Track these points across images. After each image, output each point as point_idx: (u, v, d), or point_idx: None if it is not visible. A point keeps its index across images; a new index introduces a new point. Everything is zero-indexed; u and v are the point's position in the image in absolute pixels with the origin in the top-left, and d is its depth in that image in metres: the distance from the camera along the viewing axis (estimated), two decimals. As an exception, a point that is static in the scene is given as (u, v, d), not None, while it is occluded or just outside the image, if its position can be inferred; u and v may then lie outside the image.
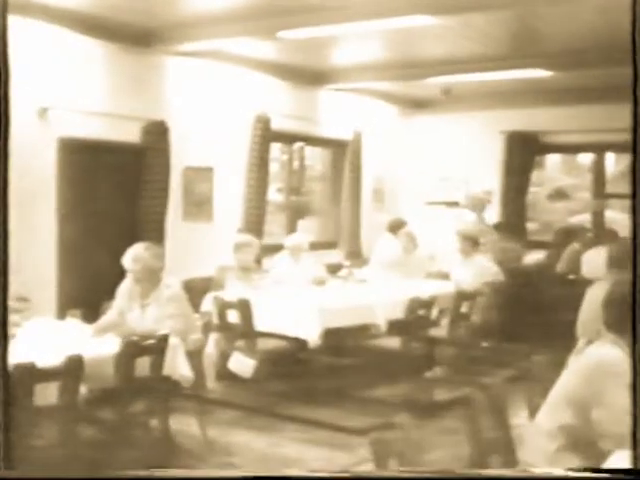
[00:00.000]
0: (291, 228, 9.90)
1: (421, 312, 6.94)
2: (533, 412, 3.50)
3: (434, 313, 7.09)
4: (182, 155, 8.15)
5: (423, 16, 6.61)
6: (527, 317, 8.12)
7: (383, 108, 11.30)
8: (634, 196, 2.83)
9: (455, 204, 11.05)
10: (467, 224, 9.67)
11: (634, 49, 3.02)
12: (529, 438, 3.31)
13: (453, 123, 11.12)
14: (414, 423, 5.43)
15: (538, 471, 3.12)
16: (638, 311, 2.70)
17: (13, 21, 6.81)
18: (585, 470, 2.99)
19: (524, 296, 8.31)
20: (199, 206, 8.50)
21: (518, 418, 3.71)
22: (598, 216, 10.83)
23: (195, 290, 6.68)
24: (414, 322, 6.92)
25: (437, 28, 7.13)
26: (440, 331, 7.17)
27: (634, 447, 2.62)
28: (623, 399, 2.70)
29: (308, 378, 6.74)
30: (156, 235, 7.65)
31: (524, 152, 10.83)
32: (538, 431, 3.21)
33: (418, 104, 11.42)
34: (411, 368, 6.88)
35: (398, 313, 6.90)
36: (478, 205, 10.44)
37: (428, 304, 7.01)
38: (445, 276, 8.38)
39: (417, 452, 4.51)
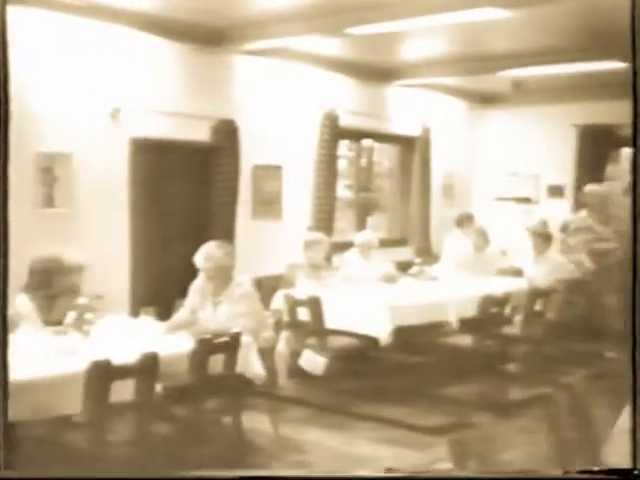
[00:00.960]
0: (360, 225, 9.86)
1: (494, 310, 6.83)
2: (614, 411, 3.40)
3: (507, 310, 6.97)
4: (251, 154, 8.18)
5: (492, 9, 6.50)
6: (603, 314, 7.92)
7: (452, 103, 11.17)
8: (634, 194, 2.81)
9: (526, 200, 10.86)
10: (538, 220, 9.48)
11: (634, 49, 2.99)
12: (613, 438, 3.21)
13: (523, 117, 10.93)
14: (489, 422, 5.37)
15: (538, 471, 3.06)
16: (638, 313, 2.58)
17: (84, 24, 6.92)
18: (585, 470, 2.93)
19: (600, 293, 8.11)
20: (268, 204, 8.52)
21: (600, 417, 3.61)
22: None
23: (265, 288, 6.69)
24: (487, 320, 6.81)
25: (506, 20, 7.00)
26: (513, 329, 7.05)
27: (634, 447, 2.56)
28: None
29: (379, 376, 6.70)
30: (226, 233, 7.69)
31: (597, 146, 10.58)
32: (622, 431, 3.11)
33: (487, 98, 11.26)
34: (484, 366, 6.77)
35: (470, 311, 6.80)
36: None
37: (501, 301, 6.89)
38: (517, 273, 8.23)
39: (494, 452, 4.45)
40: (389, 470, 3.64)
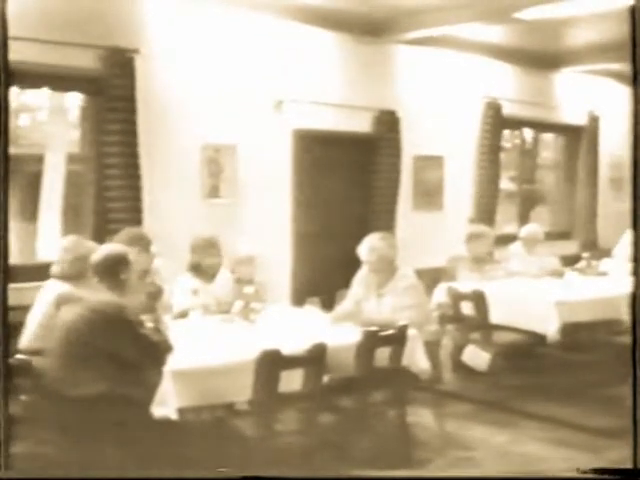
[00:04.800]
0: (523, 218, 9.58)
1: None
2: None
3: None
4: (412, 144, 8.09)
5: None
6: None
7: (622, 90, 10.66)
8: (635, 195, 2.63)
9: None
10: None
11: (634, 49, 2.78)
12: None
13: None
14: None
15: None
16: (638, 314, 2.54)
17: (249, 17, 7.03)
18: (586, 470, 2.74)
19: None
20: (429, 195, 8.41)
21: None
22: None
23: (425, 280, 6.58)
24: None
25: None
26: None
27: (634, 447, 2.23)
28: None
29: (545, 374, 6.47)
30: (387, 224, 7.65)
31: None
32: None
33: (661, 85, 10.68)
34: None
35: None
36: None
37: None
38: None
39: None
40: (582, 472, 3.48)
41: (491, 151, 8.83)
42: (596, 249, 9.40)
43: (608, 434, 5.26)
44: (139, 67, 6.11)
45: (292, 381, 4.18)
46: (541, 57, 9.30)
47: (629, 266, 7.94)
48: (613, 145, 10.39)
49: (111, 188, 6.09)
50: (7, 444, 3.25)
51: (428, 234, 8.16)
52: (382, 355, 4.69)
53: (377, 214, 7.81)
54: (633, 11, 2.64)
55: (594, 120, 10.12)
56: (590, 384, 6.34)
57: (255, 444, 4.20)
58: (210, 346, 4.44)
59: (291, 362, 4.13)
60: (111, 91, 6.05)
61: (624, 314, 6.46)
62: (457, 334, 6.44)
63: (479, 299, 6.33)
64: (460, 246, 7.25)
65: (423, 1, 7.05)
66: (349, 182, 7.85)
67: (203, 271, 5.46)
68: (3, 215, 3.19)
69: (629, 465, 2.92)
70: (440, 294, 6.67)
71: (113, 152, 6.07)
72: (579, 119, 10.07)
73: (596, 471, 2.78)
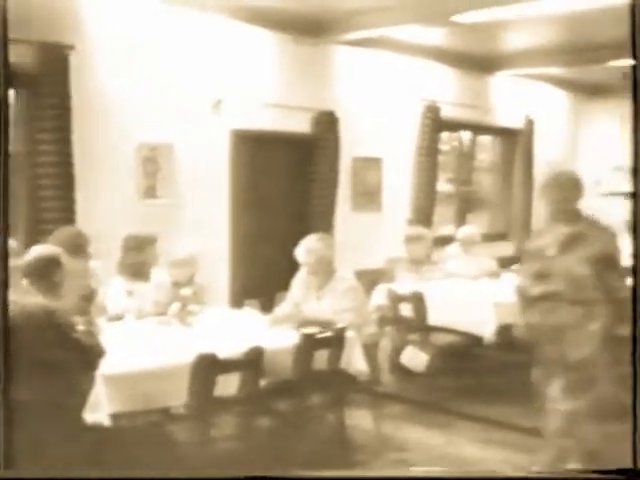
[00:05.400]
0: (460, 219, 9.64)
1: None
2: None
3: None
4: (351, 145, 8.08)
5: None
6: None
7: (557, 94, 10.83)
8: (635, 194, 2.70)
9: (632, 195, 10.44)
10: None
11: (634, 49, 2.84)
12: None
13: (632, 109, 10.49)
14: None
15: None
16: (638, 314, 2.76)
17: (187, 15, 6.94)
18: (585, 470, 2.79)
19: None
20: (368, 196, 8.41)
21: None
22: None
23: (364, 281, 6.57)
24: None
25: (615, 8, 6.67)
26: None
27: (634, 447, 2.64)
28: None
29: (482, 374, 6.51)
30: (326, 225, 7.63)
31: None
32: None
33: (596, 89, 10.86)
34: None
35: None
36: None
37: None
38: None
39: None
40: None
41: (429, 153, 8.87)
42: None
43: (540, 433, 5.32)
44: (74, 64, 5.96)
45: (229, 385, 4.12)
46: (479, 60, 9.38)
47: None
48: (548, 148, 10.54)
49: (44, 187, 5.93)
50: (7, 443, 3.16)
51: (367, 235, 8.16)
52: (320, 358, 4.66)
53: (316, 215, 7.78)
54: (633, 10, 2.65)
55: (530, 123, 10.25)
56: (527, 384, 6.39)
57: (190, 449, 4.12)
58: (145, 349, 4.36)
59: (227, 366, 4.07)
60: (45, 88, 5.89)
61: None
62: (396, 335, 6.45)
63: (417, 301, 6.34)
64: (399, 247, 7.26)
65: (362, 2, 7.04)
66: (288, 183, 7.81)
67: (137, 272, 5.35)
68: (3, 216, 3.10)
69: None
70: (379, 296, 6.66)
71: (46, 150, 5.91)
72: (515, 122, 10.18)
73: (596, 471, 2.80)
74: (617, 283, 4.36)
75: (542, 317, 4.48)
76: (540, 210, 10.34)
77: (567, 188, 4.65)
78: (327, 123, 7.84)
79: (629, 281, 4.39)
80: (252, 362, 4.16)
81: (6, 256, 3.21)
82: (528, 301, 4.59)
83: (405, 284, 6.74)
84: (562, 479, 2.83)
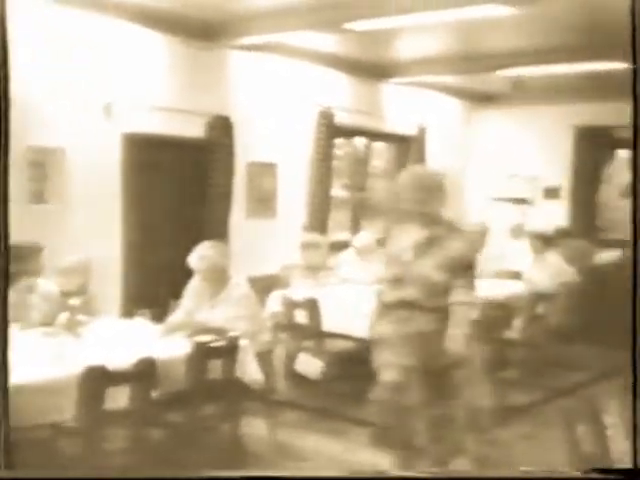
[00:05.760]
0: (355, 225, 9.71)
1: (495, 313, 6.69)
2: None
3: (507, 314, 6.84)
4: (246, 151, 8.02)
5: (493, 6, 6.37)
6: (602, 319, 7.83)
7: (449, 102, 11.04)
8: (634, 196, 2.76)
9: (523, 201, 10.75)
10: (538, 222, 9.37)
11: (634, 50, 2.93)
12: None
13: (522, 117, 10.81)
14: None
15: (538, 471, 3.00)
16: (638, 312, 2.76)
17: (77, 16, 6.74)
18: (585, 470, 2.86)
19: (598, 297, 8.01)
20: (263, 202, 8.36)
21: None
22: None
23: (258, 288, 6.53)
24: (487, 323, 6.66)
25: (507, 18, 6.86)
26: (513, 333, 6.92)
27: (634, 447, 2.62)
28: None
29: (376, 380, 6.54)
30: (220, 232, 7.54)
31: (594, 147, 10.50)
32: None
33: (485, 98, 11.13)
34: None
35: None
36: None
37: (502, 305, 6.76)
38: (515, 276, 8.11)
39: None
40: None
41: (324, 159, 8.90)
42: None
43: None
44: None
45: (119, 397, 4.01)
46: (373, 68, 9.48)
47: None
48: (440, 155, 10.72)
49: None
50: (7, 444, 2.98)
51: (262, 242, 8.11)
52: (214, 367, 4.59)
53: (210, 221, 7.68)
54: (633, 9, 2.66)
55: (422, 131, 10.40)
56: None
57: (81, 464, 3.99)
58: (31, 362, 4.19)
59: (117, 378, 3.96)
60: None
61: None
62: (290, 343, 6.43)
63: (312, 307, 6.34)
64: (294, 254, 7.25)
65: (257, 7, 7.01)
66: (182, 188, 7.68)
67: (22, 282, 5.15)
68: (3, 214, 2.92)
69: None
70: (274, 302, 6.64)
71: None
72: (409, 129, 10.32)
73: (596, 471, 2.81)
74: (469, 289, 4.30)
75: (397, 325, 4.31)
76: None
77: (424, 190, 4.34)
78: (222, 128, 7.76)
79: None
80: (143, 373, 4.06)
81: (6, 254, 3.04)
82: (384, 308, 4.43)
83: (300, 290, 6.73)
84: (562, 479, 2.84)
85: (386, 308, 4.42)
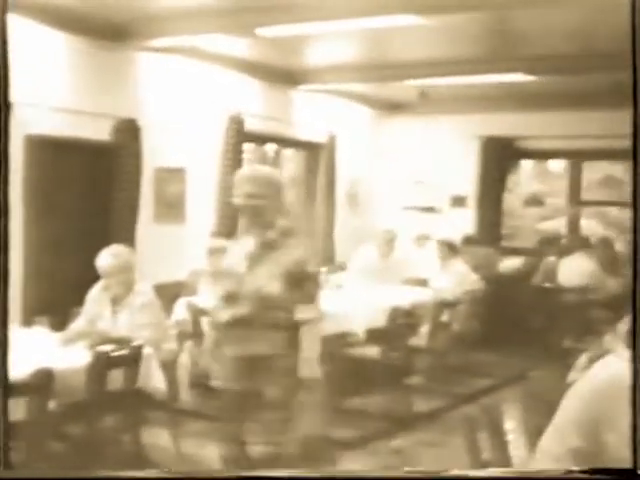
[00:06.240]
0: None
1: (401, 320, 6.75)
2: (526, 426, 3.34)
3: (414, 321, 6.91)
4: (154, 155, 7.89)
5: (401, 16, 6.43)
6: (505, 326, 8.01)
7: (358, 110, 11.11)
8: (634, 199, 2.77)
9: (430, 209, 10.91)
10: (445, 230, 9.52)
11: (634, 51, 2.91)
12: (536, 462, 3.11)
13: (429, 126, 10.96)
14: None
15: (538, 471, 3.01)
16: (638, 312, 2.59)
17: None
18: (585, 470, 2.89)
19: (502, 304, 8.18)
20: (171, 208, 8.24)
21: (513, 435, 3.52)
22: (573, 223, 10.77)
23: (165, 294, 6.42)
24: (394, 330, 6.72)
25: (415, 28, 6.94)
26: (419, 340, 6.99)
27: (634, 447, 2.52)
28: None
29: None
30: (126, 237, 7.37)
31: (499, 157, 10.73)
32: (545, 456, 3.01)
33: (394, 106, 11.24)
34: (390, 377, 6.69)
35: (378, 321, 6.70)
36: None
37: (408, 312, 6.82)
38: (422, 283, 8.21)
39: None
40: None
41: (233, 164, 8.82)
42: (333, 263, 9.69)
43: (345, 444, 5.40)
44: None
45: (14, 409, 3.86)
46: (283, 74, 9.46)
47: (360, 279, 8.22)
48: (350, 162, 10.79)
49: None
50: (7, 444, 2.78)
51: (169, 247, 7.99)
52: (116, 376, 4.48)
53: (116, 226, 7.51)
54: (633, 10, 2.62)
55: (332, 138, 10.44)
56: (325, 397, 6.45)
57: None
58: None
59: (12, 389, 3.81)
60: None
61: (357, 326, 6.68)
62: (196, 350, 6.33)
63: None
64: (201, 259, 7.16)
65: (168, 8, 6.90)
66: (87, 192, 7.49)
67: None
68: (4, 218, 2.73)
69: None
70: (180, 309, 6.53)
71: None
72: (318, 136, 10.34)
73: (595, 471, 2.77)
74: (312, 303, 3.85)
75: (234, 347, 3.90)
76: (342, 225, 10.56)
77: (256, 183, 3.92)
78: (128, 131, 7.60)
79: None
80: (40, 385, 3.92)
81: (6, 253, 2.86)
82: (218, 329, 4.04)
83: (208, 297, 6.64)
84: (562, 479, 2.81)
85: (221, 329, 4.03)
